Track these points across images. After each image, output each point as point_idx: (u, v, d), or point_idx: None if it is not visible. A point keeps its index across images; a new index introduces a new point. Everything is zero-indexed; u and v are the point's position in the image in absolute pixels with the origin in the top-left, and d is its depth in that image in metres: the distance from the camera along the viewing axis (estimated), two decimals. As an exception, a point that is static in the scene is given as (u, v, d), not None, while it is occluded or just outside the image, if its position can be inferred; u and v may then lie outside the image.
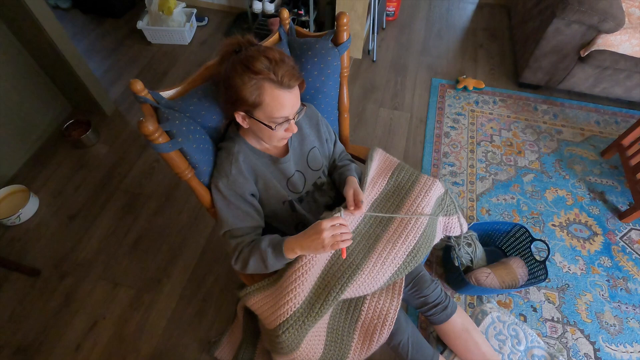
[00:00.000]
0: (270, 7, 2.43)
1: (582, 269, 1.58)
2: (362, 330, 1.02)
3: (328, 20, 2.59)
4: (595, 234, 1.68)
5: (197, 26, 2.75)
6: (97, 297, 1.51)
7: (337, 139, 1.16)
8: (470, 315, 1.33)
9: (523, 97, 2.28)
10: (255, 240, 0.91)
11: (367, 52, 2.59)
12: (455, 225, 1.22)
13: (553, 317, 1.45)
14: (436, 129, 2.10)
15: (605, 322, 1.44)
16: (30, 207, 1.72)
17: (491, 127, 2.12)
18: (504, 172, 1.91)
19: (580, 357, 1.37)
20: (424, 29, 2.79)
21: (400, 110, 2.23)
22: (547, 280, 1.48)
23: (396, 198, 1.09)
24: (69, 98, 2.13)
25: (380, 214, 1.04)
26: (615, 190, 1.84)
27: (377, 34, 2.58)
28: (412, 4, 3.00)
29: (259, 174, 0.95)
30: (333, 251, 0.97)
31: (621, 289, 1.53)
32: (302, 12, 2.41)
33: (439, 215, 1.14)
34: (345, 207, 0.94)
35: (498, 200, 1.79)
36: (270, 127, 0.85)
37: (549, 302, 1.49)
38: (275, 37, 1.05)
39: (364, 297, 1.03)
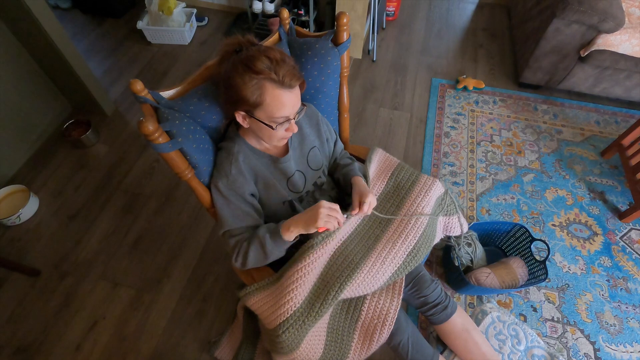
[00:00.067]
0: (270, 7, 2.43)
1: (582, 269, 1.58)
2: (362, 330, 1.02)
3: (328, 20, 2.59)
4: (595, 233, 1.68)
5: (197, 26, 2.75)
6: (97, 297, 1.51)
7: (338, 137, 1.16)
8: (470, 315, 1.33)
9: (523, 97, 2.28)
10: (252, 233, 0.92)
11: (367, 52, 2.59)
12: (455, 225, 1.22)
13: (553, 317, 1.45)
14: (436, 129, 2.10)
15: (605, 322, 1.44)
16: (30, 207, 1.72)
17: (491, 127, 2.12)
18: (504, 172, 1.91)
19: (580, 357, 1.37)
20: (424, 29, 2.79)
21: (400, 110, 2.23)
22: (547, 280, 1.49)
23: (396, 198, 1.10)
24: (69, 98, 2.13)
25: (381, 215, 1.04)
26: (615, 190, 1.84)
27: (377, 34, 2.58)
28: (412, 4, 3.00)
29: (259, 174, 0.95)
30: (332, 251, 0.97)
31: (621, 289, 1.53)
32: (302, 12, 2.41)
33: (439, 215, 1.14)
34: (351, 215, 0.94)
35: (498, 200, 1.79)
36: (270, 127, 0.85)
37: (549, 302, 1.49)
38: (275, 37, 1.05)
39: (364, 297, 1.03)
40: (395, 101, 2.28)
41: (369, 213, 0.95)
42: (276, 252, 0.90)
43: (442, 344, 1.27)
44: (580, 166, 1.93)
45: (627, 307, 1.48)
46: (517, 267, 1.42)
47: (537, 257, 1.47)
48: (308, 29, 2.43)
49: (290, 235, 0.87)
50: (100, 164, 1.95)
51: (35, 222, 1.73)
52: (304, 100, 1.03)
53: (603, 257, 1.61)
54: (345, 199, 1.14)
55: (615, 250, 1.63)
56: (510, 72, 2.44)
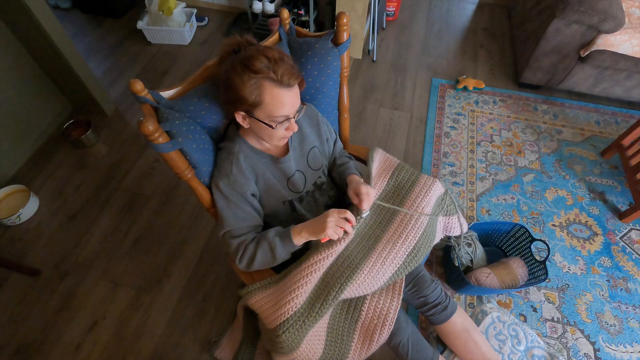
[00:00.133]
0: (270, 7, 2.43)
1: (582, 269, 1.58)
2: (362, 330, 1.02)
3: (328, 20, 2.59)
4: (595, 234, 1.68)
5: (197, 26, 2.75)
6: (97, 297, 1.51)
7: (337, 137, 1.16)
8: (470, 315, 1.33)
9: (523, 97, 2.28)
10: (259, 235, 0.92)
11: (367, 52, 2.59)
12: (455, 225, 1.22)
13: (553, 317, 1.45)
14: (436, 129, 2.10)
15: (605, 322, 1.44)
16: (30, 207, 1.72)
17: (491, 127, 2.12)
18: (504, 172, 1.91)
19: (580, 357, 1.37)
20: (424, 29, 2.79)
21: (400, 110, 2.23)
22: (547, 280, 1.48)
23: (396, 198, 1.09)
24: (69, 98, 2.13)
25: (385, 204, 1.04)
26: (615, 190, 1.84)
27: (377, 34, 2.58)
28: (412, 4, 3.00)
29: (259, 174, 0.95)
30: (338, 252, 0.97)
31: (621, 289, 1.53)
32: (302, 12, 2.41)
33: (439, 215, 1.14)
34: (366, 213, 0.95)
35: (498, 200, 1.79)
36: (270, 126, 0.85)
37: (549, 302, 1.49)
38: (275, 37, 1.05)
39: (364, 297, 1.03)
40: (395, 101, 2.28)
41: (372, 200, 0.95)
42: (284, 256, 0.92)
43: (442, 344, 1.27)
44: (580, 166, 1.93)
45: (627, 307, 1.48)
46: (517, 267, 1.42)
47: (537, 257, 1.47)
48: (308, 29, 2.43)
49: (301, 240, 0.89)
50: (100, 164, 1.95)
51: (35, 222, 1.73)
52: (304, 100, 1.03)
53: (603, 257, 1.61)
54: (344, 198, 1.14)
55: (615, 250, 1.63)
56: (510, 72, 2.44)
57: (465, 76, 2.35)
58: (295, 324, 0.89)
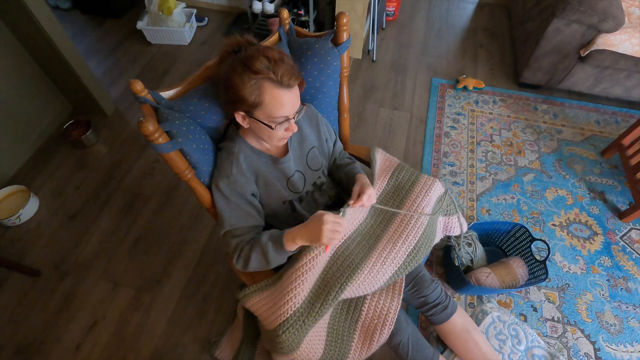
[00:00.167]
0: (270, 7, 2.43)
1: (582, 269, 1.58)
2: (362, 330, 1.02)
3: (328, 20, 2.59)
4: (596, 233, 1.68)
5: (197, 26, 2.75)
6: (97, 297, 1.51)
7: (337, 138, 1.16)
8: (470, 315, 1.33)
9: (523, 96, 2.28)
10: (255, 237, 0.92)
11: (367, 52, 2.59)
12: (455, 225, 1.22)
13: (553, 316, 1.45)
14: (436, 129, 2.10)
15: (606, 321, 1.44)
16: (30, 207, 1.72)
17: (491, 127, 2.12)
18: (504, 171, 1.91)
19: (581, 357, 1.37)
20: (424, 29, 2.79)
21: (400, 110, 2.23)
22: (547, 280, 1.48)
23: (396, 198, 1.10)
24: (69, 98, 2.13)
25: (383, 207, 1.04)
26: (615, 190, 1.84)
27: (377, 34, 2.58)
28: (412, 4, 3.00)
29: (259, 174, 0.95)
30: (332, 252, 0.97)
31: (621, 289, 1.53)
32: (302, 12, 2.41)
33: (439, 215, 1.14)
34: (349, 206, 0.93)
35: (498, 200, 1.79)
36: (270, 127, 0.85)
37: (549, 302, 1.49)
38: (275, 37, 1.05)
39: (364, 297, 1.03)
40: (395, 101, 2.28)
41: (367, 205, 0.94)
42: (278, 260, 0.91)
43: (442, 344, 1.27)
44: (580, 166, 1.93)
45: (627, 307, 1.48)
46: (517, 267, 1.42)
47: (537, 257, 1.47)
48: (308, 29, 2.43)
49: (294, 246, 0.87)
50: (100, 164, 1.95)
51: (35, 222, 1.73)
52: (303, 100, 1.03)
53: (603, 257, 1.61)
54: (344, 199, 1.14)
55: (615, 250, 1.63)
56: (510, 72, 2.44)
57: (465, 76, 2.35)
58: (295, 324, 0.89)
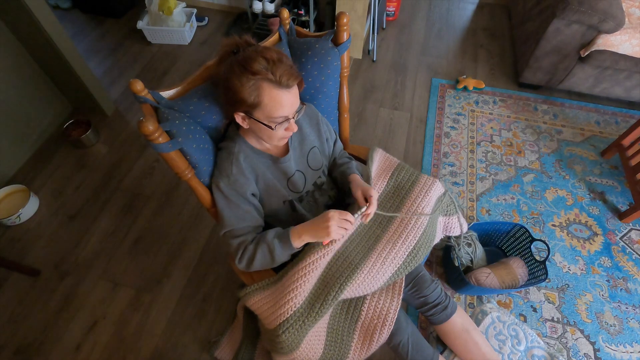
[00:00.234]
0: (270, 7, 2.43)
1: (582, 269, 1.58)
2: (362, 330, 1.02)
3: (328, 20, 2.59)
4: (595, 234, 1.68)
5: (197, 26, 2.75)
6: (97, 297, 1.51)
7: (337, 137, 1.16)
8: (470, 315, 1.33)
9: (523, 97, 2.28)
10: (259, 236, 0.92)
11: (367, 52, 2.59)
12: (455, 225, 1.22)
13: (553, 317, 1.45)
14: (436, 129, 2.10)
15: (605, 322, 1.44)
16: (30, 207, 1.72)
17: (491, 127, 2.12)
18: (504, 172, 1.91)
19: (580, 357, 1.37)
20: (424, 29, 2.79)
21: (400, 110, 2.23)
22: (547, 280, 1.49)
23: (396, 198, 1.10)
24: (69, 98, 2.13)
25: (383, 212, 1.04)
26: (615, 190, 1.84)
27: (377, 34, 2.58)
28: (412, 4, 3.00)
29: (259, 174, 0.95)
30: (334, 251, 0.97)
31: (621, 289, 1.53)
32: (302, 12, 2.41)
33: (439, 215, 1.14)
34: (360, 210, 0.93)
35: (498, 200, 1.79)
36: (270, 127, 0.85)
37: (549, 302, 1.49)
38: (275, 37, 1.05)
39: (364, 297, 1.03)
40: (395, 101, 2.28)
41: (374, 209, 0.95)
42: (283, 258, 0.91)
43: (442, 344, 1.27)
44: (580, 166, 1.93)
45: (627, 308, 1.48)
46: (517, 267, 1.42)
47: (537, 257, 1.47)
48: (308, 29, 2.43)
49: (301, 242, 0.89)
50: (100, 164, 1.95)
51: (35, 222, 1.73)
52: (303, 100, 1.03)
53: (603, 258, 1.61)
54: (344, 198, 1.14)
55: (615, 250, 1.63)
56: (510, 72, 2.44)
57: (465, 76, 2.35)
58: (295, 324, 0.89)
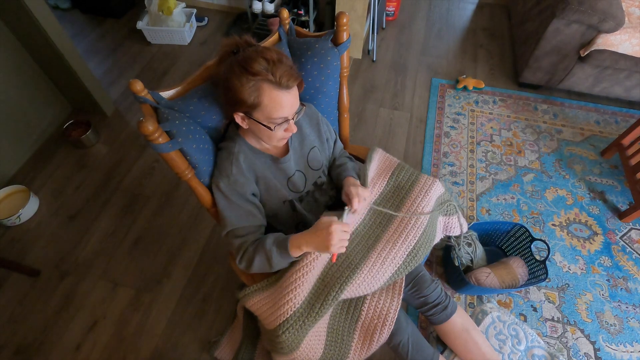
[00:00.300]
0: (270, 7, 2.43)
1: (582, 269, 1.58)
2: (362, 330, 1.02)
3: (328, 20, 2.59)
4: (596, 233, 1.68)
5: (197, 26, 2.75)
6: (97, 297, 1.51)
7: (337, 137, 1.16)
8: (470, 315, 1.33)
9: (523, 96, 2.28)
10: (260, 239, 0.92)
11: (367, 52, 2.59)
12: (455, 225, 1.22)
13: (553, 316, 1.45)
14: (436, 129, 2.10)
15: (606, 321, 1.44)
16: (30, 207, 1.72)
17: (491, 127, 2.12)
18: (504, 171, 1.91)
19: (581, 357, 1.37)
20: (424, 29, 2.79)
21: (400, 110, 2.23)
22: (547, 280, 1.49)
23: (396, 198, 1.09)
24: (69, 98, 2.13)
25: (383, 209, 1.04)
26: (615, 190, 1.84)
27: (377, 34, 2.58)
28: (412, 4, 3.00)
29: (259, 174, 0.95)
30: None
31: (621, 289, 1.53)
32: (302, 12, 2.41)
33: (439, 215, 1.14)
34: (348, 211, 0.93)
35: (498, 200, 1.79)
36: (269, 128, 0.85)
37: (549, 302, 1.49)
38: (275, 37, 1.05)
39: (364, 297, 1.03)
40: (395, 101, 2.28)
41: (359, 208, 0.94)
42: (282, 265, 0.91)
43: (442, 344, 1.27)
44: (580, 166, 1.93)
45: (627, 307, 1.48)
46: (517, 267, 1.42)
47: (537, 257, 1.47)
48: (308, 29, 2.43)
49: (299, 253, 0.87)
50: (100, 164, 1.95)
51: (35, 222, 1.73)
52: (303, 100, 1.03)
53: (603, 257, 1.61)
54: (342, 199, 1.14)
55: (615, 250, 1.63)
56: (510, 72, 2.44)
57: (465, 76, 2.35)
58: (295, 324, 0.89)
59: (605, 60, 1.93)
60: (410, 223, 1.03)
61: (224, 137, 1.00)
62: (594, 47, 1.89)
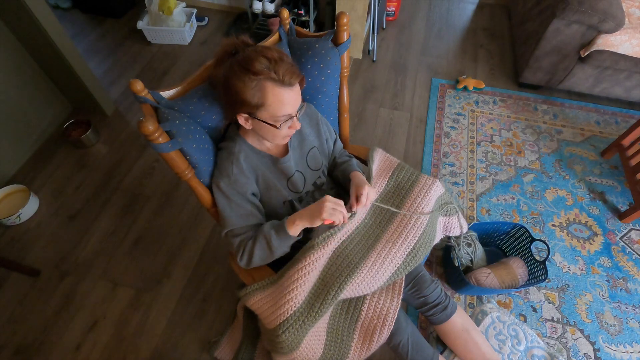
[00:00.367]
0: (270, 7, 2.43)
1: (582, 269, 1.58)
2: (362, 330, 1.02)
3: (328, 20, 2.59)
4: (595, 234, 1.68)
5: (197, 26, 2.75)
6: (97, 297, 1.51)
7: (337, 137, 1.16)
8: (470, 315, 1.32)
9: (523, 97, 2.28)
10: (256, 231, 0.93)
11: (367, 52, 2.59)
12: (455, 225, 1.22)
13: (553, 317, 1.45)
14: (436, 129, 2.10)
15: (605, 322, 1.44)
16: (30, 207, 1.72)
17: (491, 127, 2.12)
18: (504, 172, 1.91)
19: (580, 357, 1.37)
20: (424, 29, 2.79)
21: (400, 110, 2.23)
22: (547, 280, 1.49)
23: (396, 198, 1.10)
24: (69, 98, 2.13)
25: (383, 205, 1.04)
26: (615, 191, 1.84)
27: (377, 34, 2.58)
28: (412, 4, 3.00)
29: (259, 174, 0.95)
30: (332, 251, 0.97)
31: (621, 289, 1.53)
32: (302, 12, 2.41)
33: (439, 215, 1.14)
34: (354, 213, 0.95)
35: (498, 200, 1.79)
36: (275, 127, 0.85)
37: (549, 302, 1.49)
38: (275, 37, 1.05)
39: (364, 297, 1.03)
40: (395, 101, 2.28)
41: (368, 205, 0.95)
42: (282, 248, 0.91)
43: (442, 344, 1.27)
44: (580, 166, 1.93)
45: (627, 308, 1.48)
46: (517, 267, 1.42)
47: (537, 258, 1.47)
48: (308, 29, 2.43)
49: (296, 229, 0.88)
50: (100, 164, 1.95)
51: (35, 222, 1.73)
52: (303, 100, 1.03)
53: (603, 258, 1.61)
54: (345, 198, 1.14)
55: (615, 250, 1.63)
56: (510, 72, 2.44)
57: (465, 76, 2.35)
58: (295, 323, 0.89)
59: (606, 60, 1.93)
60: (410, 223, 1.03)
61: (224, 137, 1.00)
62: (594, 48, 1.89)
